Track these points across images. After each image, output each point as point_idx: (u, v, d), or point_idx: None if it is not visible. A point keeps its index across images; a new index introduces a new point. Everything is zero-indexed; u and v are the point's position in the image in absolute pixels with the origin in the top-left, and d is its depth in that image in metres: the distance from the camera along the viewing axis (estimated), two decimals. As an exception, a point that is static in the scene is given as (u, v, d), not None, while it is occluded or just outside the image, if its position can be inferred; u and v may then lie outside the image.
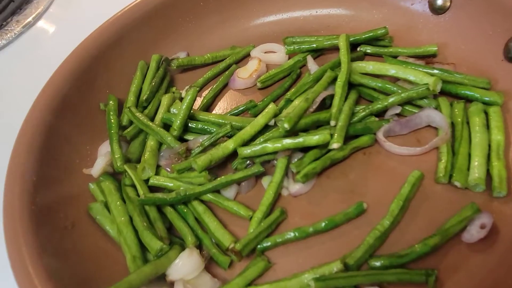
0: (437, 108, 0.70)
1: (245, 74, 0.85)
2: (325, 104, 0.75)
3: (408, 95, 0.69)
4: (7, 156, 0.82)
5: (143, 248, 0.62)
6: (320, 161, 0.67)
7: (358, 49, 0.83)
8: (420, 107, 0.71)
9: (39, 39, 1.14)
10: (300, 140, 0.66)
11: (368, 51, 0.83)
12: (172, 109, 0.79)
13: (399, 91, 0.71)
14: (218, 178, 0.67)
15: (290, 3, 0.93)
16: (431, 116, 0.68)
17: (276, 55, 0.89)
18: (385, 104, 0.70)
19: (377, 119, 0.71)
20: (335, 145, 0.65)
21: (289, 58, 0.88)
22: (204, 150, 0.71)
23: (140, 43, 0.88)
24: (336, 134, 0.66)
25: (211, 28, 0.94)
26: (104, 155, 0.72)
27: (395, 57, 0.80)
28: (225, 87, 0.88)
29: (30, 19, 1.20)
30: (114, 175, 0.74)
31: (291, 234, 0.61)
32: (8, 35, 1.16)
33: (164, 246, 0.58)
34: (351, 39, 0.80)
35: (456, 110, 0.69)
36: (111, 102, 0.79)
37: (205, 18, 0.93)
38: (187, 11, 0.92)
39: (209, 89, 0.86)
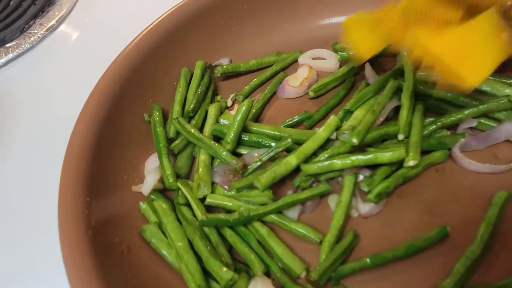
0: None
1: (295, 83, 0.80)
2: (387, 117, 0.70)
3: (487, 107, 0.63)
4: (46, 172, 0.78)
5: (205, 275, 0.56)
6: (392, 179, 0.61)
7: None
8: (496, 119, 0.66)
9: (63, 43, 1.08)
10: (370, 156, 0.61)
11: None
12: (221, 120, 0.74)
13: (474, 102, 0.65)
14: (283, 198, 0.61)
15: (338, 7, 0.88)
16: (511, 131, 0.63)
17: (327, 61, 0.83)
18: (459, 117, 0.65)
19: (449, 133, 0.66)
20: (411, 163, 0.60)
21: (340, 66, 0.82)
22: (262, 165, 0.65)
23: (182, 49, 0.83)
24: (411, 150, 0.60)
25: (255, 34, 0.88)
26: (154, 171, 0.67)
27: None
28: (273, 95, 0.82)
29: (53, 22, 1.15)
30: (164, 192, 0.68)
31: (367, 261, 0.56)
32: (32, 39, 1.11)
33: (235, 275, 0.53)
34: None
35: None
36: (156, 112, 0.74)
37: (248, 23, 0.88)
38: (230, 16, 0.87)
39: (257, 98, 0.80)
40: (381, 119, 0.67)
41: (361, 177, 0.65)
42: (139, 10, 1.10)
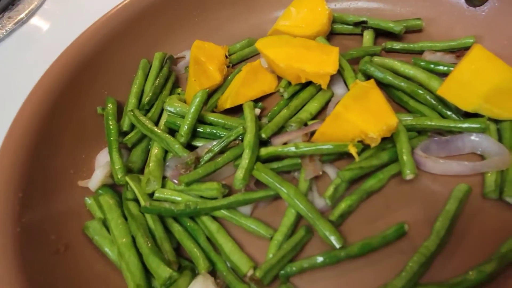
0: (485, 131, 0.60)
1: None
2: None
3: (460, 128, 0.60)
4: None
5: (147, 273, 0.53)
6: (355, 196, 0.58)
7: (384, 44, 0.75)
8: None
9: (33, 37, 1.05)
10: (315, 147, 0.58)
11: (396, 47, 0.74)
12: (166, 107, 0.71)
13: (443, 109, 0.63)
14: (235, 195, 0.58)
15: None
16: (477, 142, 0.59)
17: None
18: (431, 125, 0.61)
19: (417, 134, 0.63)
20: (410, 176, 0.56)
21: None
22: (213, 157, 0.62)
23: (142, 40, 0.80)
24: (408, 164, 0.57)
25: (220, 24, 0.85)
26: (103, 166, 0.64)
27: (421, 52, 0.73)
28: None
29: (22, 15, 1.12)
30: (114, 187, 0.65)
31: (319, 259, 0.53)
32: (-1, 32, 1.07)
33: (174, 273, 0.50)
34: (383, 25, 0.74)
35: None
36: (109, 105, 0.71)
37: (212, 13, 0.85)
38: (193, 5, 0.83)
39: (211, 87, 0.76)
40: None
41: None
42: (113, 2, 1.07)
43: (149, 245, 0.53)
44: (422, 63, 0.68)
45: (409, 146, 0.58)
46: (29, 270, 0.47)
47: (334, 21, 0.80)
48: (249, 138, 0.61)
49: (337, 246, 0.52)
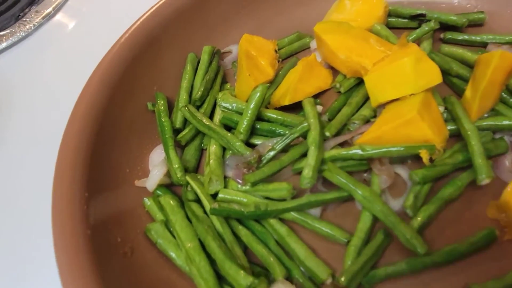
0: None
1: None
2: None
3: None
4: (41, 164, 0.71)
5: (219, 279, 0.50)
6: (434, 205, 0.54)
7: (443, 34, 0.71)
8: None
9: (60, 32, 1.02)
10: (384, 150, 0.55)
11: (457, 37, 0.71)
12: (221, 103, 0.68)
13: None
14: (306, 196, 0.55)
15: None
16: None
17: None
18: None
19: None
20: (486, 181, 0.53)
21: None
22: (277, 155, 0.59)
23: (188, 34, 0.76)
24: (484, 168, 0.53)
25: (267, 18, 0.81)
26: (160, 165, 0.60)
27: (485, 45, 0.69)
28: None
29: (50, 9, 1.08)
30: (170, 187, 0.62)
31: (403, 266, 0.49)
32: (27, 27, 1.04)
33: (255, 280, 0.46)
34: (443, 18, 0.70)
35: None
36: (160, 101, 0.67)
37: (259, 6, 0.81)
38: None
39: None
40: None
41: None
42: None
43: (223, 249, 0.49)
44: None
45: (481, 148, 0.54)
46: (103, 275, 0.43)
47: (389, 14, 0.76)
48: (313, 135, 0.58)
49: (421, 252, 0.49)
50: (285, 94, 0.67)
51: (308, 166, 0.55)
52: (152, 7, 0.72)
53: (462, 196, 0.55)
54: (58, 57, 0.96)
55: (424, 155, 0.55)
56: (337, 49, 0.66)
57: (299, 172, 0.57)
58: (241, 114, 0.65)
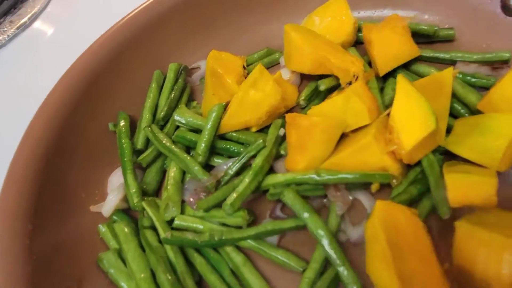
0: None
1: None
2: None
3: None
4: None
5: (168, 312, 0.48)
6: None
7: None
8: None
9: (36, 42, 1.00)
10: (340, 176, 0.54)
11: (426, 54, 0.69)
12: (176, 116, 0.66)
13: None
14: (263, 224, 0.54)
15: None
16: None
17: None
18: None
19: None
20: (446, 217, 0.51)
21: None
22: (232, 178, 0.58)
23: (154, 50, 0.75)
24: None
25: (236, 33, 0.80)
26: (117, 189, 0.59)
27: (453, 62, 0.68)
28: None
29: (25, 19, 1.07)
30: (128, 211, 0.60)
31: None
32: (0, 37, 1.02)
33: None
34: (413, 27, 0.70)
35: None
36: (122, 121, 0.66)
37: (228, 21, 0.80)
38: (208, 13, 0.78)
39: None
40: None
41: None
42: (119, 6, 1.02)
43: (172, 281, 0.48)
44: (459, 75, 0.63)
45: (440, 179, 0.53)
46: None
47: (359, 29, 0.75)
48: (257, 161, 0.57)
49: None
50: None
51: (235, 193, 0.54)
52: (118, 22, 0.70)
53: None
54: (35, 66, 0.94)
55: (374, 187, 0.55)
56: (304, 43, 0.65)
57: (265, 191, 0.58)
58: (195, 131, 0.64)
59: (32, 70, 0.94)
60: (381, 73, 0.66)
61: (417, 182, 0.55)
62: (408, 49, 0.66)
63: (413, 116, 0.52)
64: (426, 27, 0.70)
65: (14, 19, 1.07)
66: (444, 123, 0.56)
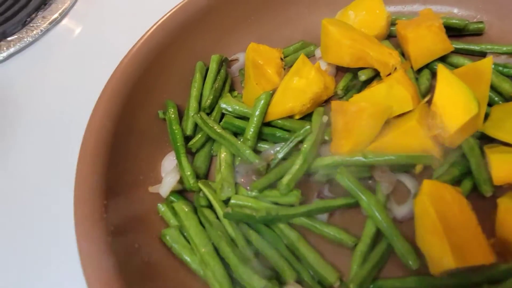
0: None
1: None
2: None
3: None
4: (52, 170, 0.73)
5: (233, 282, 0.52)
6: None
7: None
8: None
9: (67, 37, 1.04)
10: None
11: (456, 46, 0.73)
12: (221, 104, 0.70)
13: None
14: (315, 202, 0.57)
15: None
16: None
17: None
18: None
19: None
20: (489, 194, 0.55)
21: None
22: (279, 162, 0.62)
23: (196, 42, 0.79)
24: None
25: (273, 27, 0.84)
26: (173, 172, 0.63)
27: (483, 54, 0.72)
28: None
29: (56, 15, 1.10)
30: (182, 193, 0.64)
31: (412, 281, 0.51)
32: (34, 32, 1.06)
33: (268, 284, 0.49)
34: (444, 21, 0.73)
35: None
36: (171, 109, 0.69)
37: (266, 15, 0.84)
38: (247, 7, 0.82)
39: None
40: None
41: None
42: (147, 3, 1.06)
43: (237, 254, 0.52)
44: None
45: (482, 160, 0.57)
46: (126, 281, 0.46)
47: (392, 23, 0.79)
48: (305, 146, 0.60)
49: (413, 267, 0.51)
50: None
51: (289, 174, 0.58)
52: (160, 19, 0.74)
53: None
54: (65, 62, 0.98)
55: (418, 168, 0.58)
56: (342, 37, 0.69)
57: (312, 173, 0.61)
58: (241, 118, 0.68)
59: (65, 63, 0.97)
60: (416, 67, 0.70)
61: (458, 164, 0.58)
62: (442, 46, 0.70)
63: (456, 102, 0.56)
64: (457, 21, 0.74)
65: (46, 15, 1.11)
66: (484, 109, 0.59)
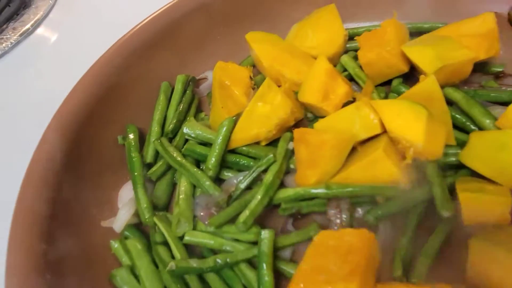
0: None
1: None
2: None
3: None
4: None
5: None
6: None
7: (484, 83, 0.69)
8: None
9: (39, 49, 1.00)
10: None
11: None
12: (184, 129, 0.66)
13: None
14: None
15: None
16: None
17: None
18: None
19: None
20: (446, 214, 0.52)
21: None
22: (242, 193, 0.59)
23: (162, 62, 0.75)
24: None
25: (241, 43, 0.79)
26: (128, 204, 0.59)
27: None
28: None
29: (28, 26, 1.06)
30: (139, 225, 0.60)
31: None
32: (4, 45, 1.02)
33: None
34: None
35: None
36: (131, 134, 0.66)
37: (233, 31, 0.79)
38: (213, 24, 0.78)
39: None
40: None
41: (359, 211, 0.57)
42: (124, 11, 1.02)
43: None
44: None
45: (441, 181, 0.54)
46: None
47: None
48: (267, 177, 0.57)
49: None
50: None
51: (247, 210, 0.54)
52: (122, 37, 0.70)
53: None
54: (38, 74, 0.94)
55: (380, 199, 0.55)
56: (262, 57, 0.71)
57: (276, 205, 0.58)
58: (205, 144, 0.64)
59: (36, 77, 0.94)
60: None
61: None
62: (396, 68, 0.68)
63: (404, 117, 0.55)
64: (427, 26, 0.72)
65: (16, 26, 1.07)
66: (449, 123, 0.58)
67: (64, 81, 0.84)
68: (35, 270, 0.46)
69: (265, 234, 0.52)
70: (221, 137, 0.61)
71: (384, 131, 0.57)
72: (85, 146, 0.62)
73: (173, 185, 0.66)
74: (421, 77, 0.60)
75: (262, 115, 0.63)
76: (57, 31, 1.03)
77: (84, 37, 1.02)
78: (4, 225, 0.49)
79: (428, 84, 0.58)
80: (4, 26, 1.07)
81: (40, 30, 1.07)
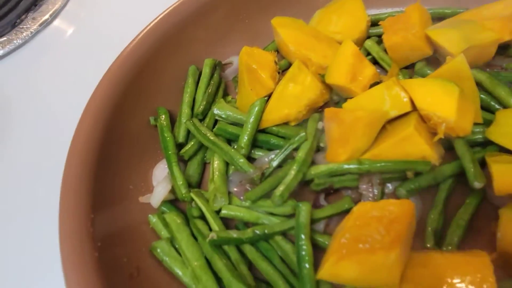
0: None
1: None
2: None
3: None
4: (39, 175, 0.71)
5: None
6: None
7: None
8: None
9: (58, 39, 1.01)
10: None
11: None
12: (214, 110, 0.68)
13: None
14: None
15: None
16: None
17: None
18: None
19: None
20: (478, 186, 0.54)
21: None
22: (274, 170, 0.61)
23: (189, 47, 0.76)
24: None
25: (266, 28, 0.81)
26: (164, 181, 0.61)
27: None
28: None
29: (47, 16, 1.08)
30: (174, 202, 0.62)
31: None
32: (24, 34, 1.03)
33: (262, 301, 0.47)
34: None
35: None
36: (162, 115, 0.67)
37: (258, 17, 0.81)
38: (240, 10, 0.80)
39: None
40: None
41: (389, 186, 0.59)
42: (140, 3, 1.04)
43: (230, 268, 0.50)
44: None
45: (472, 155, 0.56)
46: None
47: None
48: (300, 155, 0.59)
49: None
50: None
51: (282, 185, 0.56)
52: (151, 22, 0.72)
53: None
54: (56, 64, 0.96)
55: (410, 174, 0.57)
56: (288, 41, 0.72)
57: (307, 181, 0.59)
58: (235, 124, 0.66)
59: (55, 65, 0.95)
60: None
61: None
62: (419, 52, 0.69)
63: (435, 94, 0.56)
64: (449, 11, 0.74)
65: (36, 16, 1.08)
66: (477, 101, 0.59)
67: (81, 71, 0.87)
68: (88, 237, 0.47)
69: (303, 206, 0.54)
70: (253, 116, 0.63)
71: (414, 109, 0.59)
72: (119, 128, 0.64)
73: (204, 165, 0.67)
74: (448, 58, 0.61)
75: (293, 95, 0.64)
76: (74, 22, 1.04)
77: (100, 28, 1.03)
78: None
79: (457, 64, 0.59)
80: (24, 16, 1.09)
81: (57, 22, 1.08)
